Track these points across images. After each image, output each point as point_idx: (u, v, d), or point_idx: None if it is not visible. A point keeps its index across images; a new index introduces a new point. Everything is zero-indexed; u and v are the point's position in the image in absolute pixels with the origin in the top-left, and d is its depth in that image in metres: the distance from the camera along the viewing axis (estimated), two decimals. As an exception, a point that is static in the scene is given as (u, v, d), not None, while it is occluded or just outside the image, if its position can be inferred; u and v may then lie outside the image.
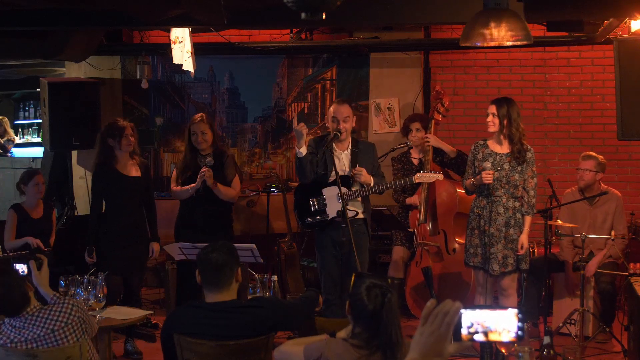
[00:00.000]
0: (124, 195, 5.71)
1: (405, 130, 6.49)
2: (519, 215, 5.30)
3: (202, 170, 5.58)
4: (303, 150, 5.30)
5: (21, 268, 3.95)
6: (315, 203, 5.45)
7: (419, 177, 5.35)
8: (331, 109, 5.47)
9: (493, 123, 5.31)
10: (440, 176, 5.41)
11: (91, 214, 5.86)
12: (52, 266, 5.85)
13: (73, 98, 6.92)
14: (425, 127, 6.36)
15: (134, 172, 5.74)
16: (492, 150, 5.35)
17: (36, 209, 6.48)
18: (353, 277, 3.05)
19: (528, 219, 5.32)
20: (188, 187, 5.71)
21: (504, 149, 5.33)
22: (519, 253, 5.28)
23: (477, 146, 5.44)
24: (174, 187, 5.86)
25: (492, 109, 5.32)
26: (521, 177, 5.29)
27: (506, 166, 5.29)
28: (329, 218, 5.41)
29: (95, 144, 5.86)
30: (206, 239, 4.89)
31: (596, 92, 7.43)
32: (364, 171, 5.32)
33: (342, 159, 5.41)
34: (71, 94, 6.93)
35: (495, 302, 5.57)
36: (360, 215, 5.41)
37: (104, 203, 5.79)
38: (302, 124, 5.32)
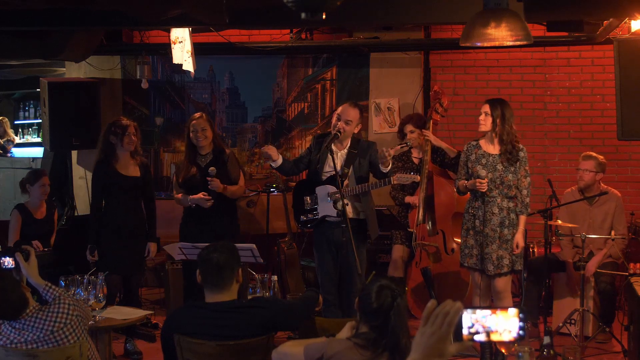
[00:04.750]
0: (121, 194, 5.70)
1: (401, 134, 6.49)
2: (513, 216, 5.28)
3: (209, 181, 5.58)
4: (277, 162, 5.44)
5: (8, 262, 3.91)
6: (309, 201, 5.47)
7: (398, 178, 5.32)
8: (340, 107, 5.48)
9: (485, 122, 5.28)
10: (416, 177, 5.38)
11: (91, 212, 5.86)
12: (52, 266, 5.91)
13: (73, 98, 6.92)
14: (418, 126, 6.35)
15: (133, 171, 5.74)
16: (485, 151, 5.33)
17: (40, 210, 6.49)
18: (372, 274, 3.08)
19: (522, 218, 5.30)
20: (189, 198, 5.69)
21: (496, 149, 5.31)
22: (514, 252, 5.27)
23: (469, 147, 5.42)
24: (176, 194, 5.88)
25: (486, 108, 5.30)
26: (515, 177, 5.27)
27: (499, 167, 5.27)
28: (319, 217, 5.42)
29: (98, 142, 5.86)
30: (213, 237, 4.91)
31: (596, 92, 7.43)
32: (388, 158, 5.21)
33: (337, 159, 5.41)
34: (71, 94, 6.93)
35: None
36: (349, 216, 5.36)
37: (103, 202, 5.78)
38: (268, 147, 5.46)
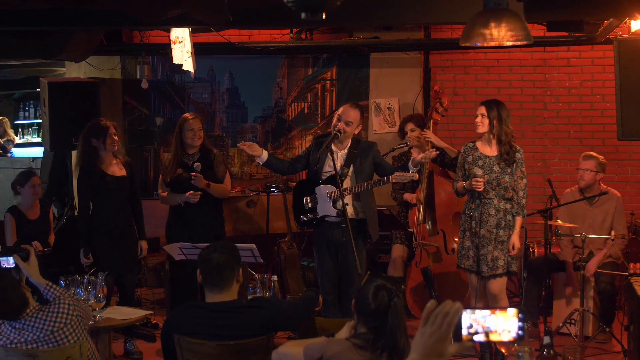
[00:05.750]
0: (110, 195, 5.66)
1: (402, 133, 6.50)
2: (509, 217, 5.27)
3: (192, 176, 5.58)
4: (262, 158, 5.41)
5: (8, 261, 3.90)
6: (309, 201, 5.47)
7: (396, 177, 5.33)
8: (341, 107, 5.48)
9: (482, 124, 5.27)
10: (415, 175, 5.39)
11: (80, 216, 5.83)
12: (52, 266, 5.90)
13: (73, 98, 6.91)
14: (419, 125, 6.36)
15: (119, 171, 5.71)
16: (481, 153, 5.33)
17: (33, 210, 6.48)
18: (367, 275, 3.06)
19: (519, 220, 5.29)
20: (177, 196, 5.73)
21: (493, 151, 5.30)
22: (511, 254, 5.26)
23: (466, 148, 5.41)
24: (162, 192, 5.90)
25: (482, 110, 5.28)
26: (511, 179, 5.26)
27: (496, 168, 5.26)
28: (319, 217, 5.42)
29: (78, 145, 5.81)
30: (198, 238, 4.93)
31: (596, 92, 7.44)
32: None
33: (337, 159, 5.41)
34: (71, 94, 6.92)
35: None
36: (349, 216, 5.35)
37: (91, 204, 5.73)
38: (243, 143, 5.38)
